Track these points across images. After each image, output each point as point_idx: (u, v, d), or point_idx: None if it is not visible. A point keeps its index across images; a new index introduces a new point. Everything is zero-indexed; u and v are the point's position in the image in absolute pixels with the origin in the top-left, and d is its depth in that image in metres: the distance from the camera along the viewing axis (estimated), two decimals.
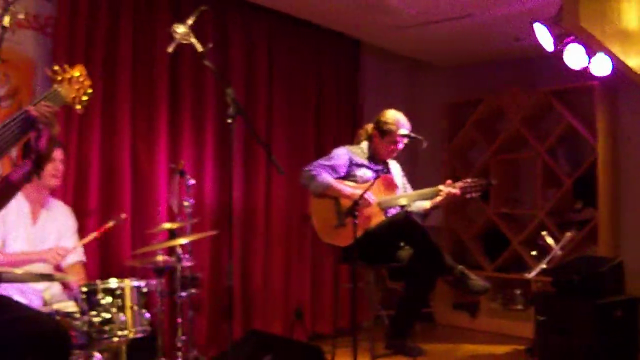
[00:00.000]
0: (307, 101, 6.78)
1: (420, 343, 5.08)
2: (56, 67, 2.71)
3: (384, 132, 4.95)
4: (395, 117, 4.96)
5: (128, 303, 3.66)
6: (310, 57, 6.84)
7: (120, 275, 3.99)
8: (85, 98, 2.75)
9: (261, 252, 6.26)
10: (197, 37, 3.67)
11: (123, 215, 4.53)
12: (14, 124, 2.33)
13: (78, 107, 2.73)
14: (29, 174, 2.46)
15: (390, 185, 4.96)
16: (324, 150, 5.95)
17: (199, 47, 3.64)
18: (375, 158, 5.04)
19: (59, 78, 2.68)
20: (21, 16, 3.12)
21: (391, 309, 5.19)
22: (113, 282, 3.67)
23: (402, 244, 4.74)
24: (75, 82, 2.71)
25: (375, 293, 5.18)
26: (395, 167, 5.17)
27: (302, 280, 6.65)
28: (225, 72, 5.94)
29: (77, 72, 2.74)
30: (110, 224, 4.42)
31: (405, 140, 4.83)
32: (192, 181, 4.64)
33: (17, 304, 2.50)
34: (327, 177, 4.82)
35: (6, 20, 2.98)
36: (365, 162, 5.00)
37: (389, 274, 5.64)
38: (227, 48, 6.05)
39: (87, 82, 2.76)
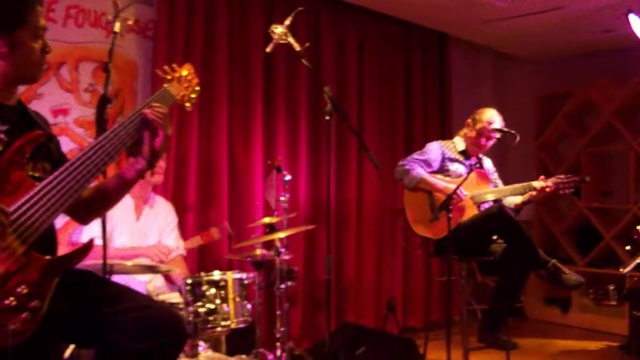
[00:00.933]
0: (396, 96, 6.84)
1: (512, 338, 5.07)
2: (166, 67, 2.76)
3: (473, 121, 5.01)
4: (488, 112, 5.01)
5: (230, 294, 3.79)
6: (399, 52, 6.89)
7: (218, 269, 4.13)
8: (193, 96, 2.79)
9: (353, 246, 6.37)
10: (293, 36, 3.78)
11: (226, 224, 4.70)
12: (130, 125, 2.41)
13: (187, 105, 2.77)
14: (142, 171, 2.56)
15: (484, 180, 4.98)
16: (413, 145, 6.01)
17: (297, 47, 3.73)
18: (468, 153, 5.07)
19: (169, 77, 2.73)
20: (130, 22, 3.23)
21: (482, 303, 5.20)
22: (216, 274, 3.80)
23: (495, 237, 4.75)
24: (184, 80, 2.75)
25: (467, 287, 5.19)
26: (487, 162, 5.18)
27: (393, 273, 6.72)
28: (318, 69, 6.05)
29: (185, 71, 2.78)
30: (215, 233, 4.59)
31: (498, 135, 4.83)
32: (289, 177, 4.74)
33: (137, 293, 2.61)
34: (420, 171, 4.89)
35: (117, 26, 3.12)
36: (458, 156, 5.05)
37: (480, 268, 5.65)
38: (319, 45, 6.16)
39: (195, 80, 2.80)
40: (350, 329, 5.32)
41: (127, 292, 2.52)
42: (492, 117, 4.96)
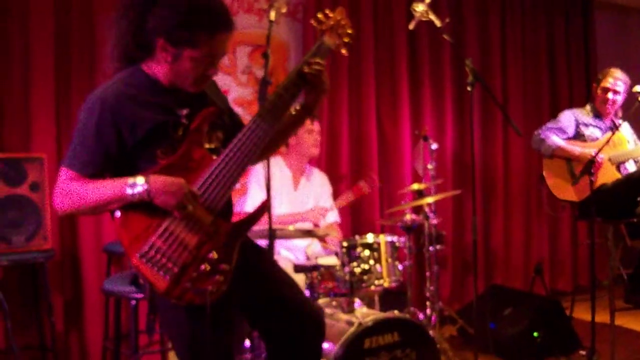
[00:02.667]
0: (540, 63, 6.89)
1: None
2: (319, 15, 2.76)
3: (597, 81, 5.15)
4: (609, 69, 5.12)
5: (383, 256, 4.03)
6: (542, 18, 6.93)
7: (372, 233, 4.39)
8: (347, 40, 2.81)
9: (501, 211, 6.53)
10: (434, 12, 3.96)
11: (374, 177, 4.96)
12: (291, 86, 2.60)
13: (343, 51, 2.85)
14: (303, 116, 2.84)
15: (619, 141, 5.03)
16: (559, 112, 6.06)
17: (438, 23, 3.92)
18: (600, 114, 5.15)
19: (324, 27, 2.76)
20: (284, 10, 3.48)
21: (631, 266, 5.23)
22: (370, 237, 4.04)
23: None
24: (338, 27, 2.78)
25: (614, 250, 5.22)
26: (624, 124, 5.19)
27: (541, 237, 6.82)
28: (460, 41, 6.23)
29: (338, 15, 2.80)
30: (364, 186, 4.87)
31: None
32: (435, 145, 4.95)
33: (295, 283, 2.87)
34: (555, 139, 5.01)
35: (272, 15, 3.42)
36: (592, 121, 5.12)
37: (629, 232, 5.65)
38: (462, 16, 6.35)
39: (348, 24, 2.82)
40: (498, 291, 5.48)
41: (288, 280, 2.83)
42: (616, 73, 5.06)
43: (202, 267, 2.36)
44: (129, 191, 2.32)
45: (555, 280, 6.87)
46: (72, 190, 2.37)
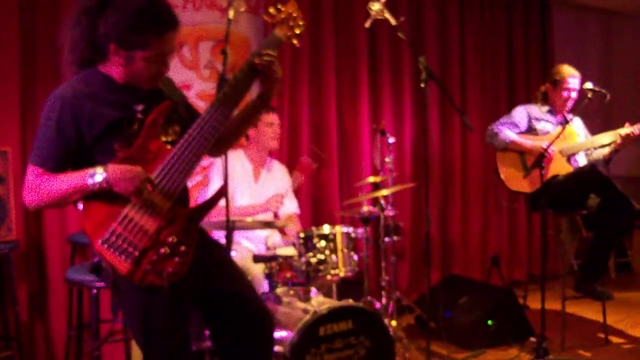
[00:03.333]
0: (498, 60, 7.05)
1: (618, 292, 5.22)
2: (271, 10, 2.83)
3: (554, 82, 5.26)
4: (563, 66, 5.29)
5: (339, 246, 4.15)
6: (500, 15, 7.08)
7: (331, 224, 4.52)
8: (298, 31, 2.89)
9: (459, 203, 6.69)
10: (391, 11, 4.06)
11: (313, 147, 5.07)
12: (243, 77, 2.72)
13: (294, 41, 2.92)
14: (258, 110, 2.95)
15: (570, 134, 5.18)
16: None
17: (393, 21, 4.03)
18: (553, 110, 5.31)
19: (275, 20, 2.85)
20: (242, 9, 3.59)
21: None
22: (326, 228, 4.17)
23: (589, 192, 4.93)
24: (290, 19, 2.86)
25: (569, 242, 5.38)
26: (575, 119, 5.36)
27: (499, 228, 7.00)
28: (419, 39, 6.38)
29: (290, 8, 2.85)
30: (309, 161, 5.04)
31: (589, 95, 4.94)
32: (392, 139, 5.07)
33: (248, 282, 3.05)
34: (508, 133, 5.17)
35: (231, 14, 3.53)
36: (544, 115, 5.29)
37: (585, 223, 5.80)
38: (421, 11, 6.50)
39: (299, 16, 2.87)
40: (454, 281, 5.65)
41: (243, 277, 3.00)
42: (568, 70, 5.23)
43: (162, 250, 2.50)
44: (90, 181, 2.45)
45: (512, 270, 7.05)
46: (37, 185, 2.51)
